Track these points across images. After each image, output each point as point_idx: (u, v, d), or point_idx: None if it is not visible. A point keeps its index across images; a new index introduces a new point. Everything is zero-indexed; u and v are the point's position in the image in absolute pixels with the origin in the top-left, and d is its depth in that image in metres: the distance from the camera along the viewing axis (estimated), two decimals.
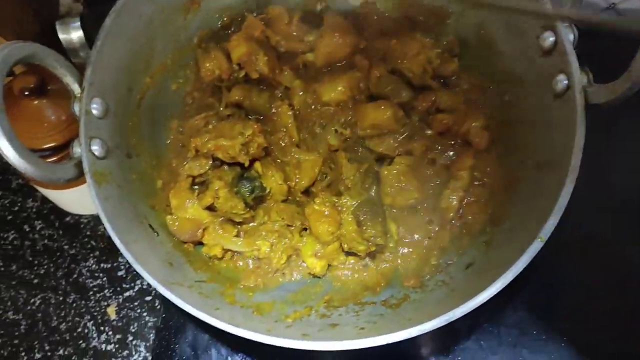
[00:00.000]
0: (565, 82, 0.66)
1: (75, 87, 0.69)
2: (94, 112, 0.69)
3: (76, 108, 0.68)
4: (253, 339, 0.60)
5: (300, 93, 0.86)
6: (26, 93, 0.79)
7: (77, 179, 0.67)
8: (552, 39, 0.68)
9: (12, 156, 0.59)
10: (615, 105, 0.62)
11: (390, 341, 0.58)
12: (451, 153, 0.83)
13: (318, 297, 0.76)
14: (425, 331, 0.59)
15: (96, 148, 0.68)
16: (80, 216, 1.00)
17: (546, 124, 0.70)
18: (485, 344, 0.79)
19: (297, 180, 0.84)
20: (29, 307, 0.93)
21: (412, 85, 0.86)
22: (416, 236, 0.80)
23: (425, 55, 0.84)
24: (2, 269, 0.96)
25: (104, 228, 0.97)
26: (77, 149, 0.67)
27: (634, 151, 0.89)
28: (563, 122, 0.66)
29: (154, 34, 0.78)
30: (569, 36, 0.67)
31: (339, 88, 0.84)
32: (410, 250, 0.80)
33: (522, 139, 0.75)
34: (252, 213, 0.81)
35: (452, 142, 0.83)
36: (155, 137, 0.83)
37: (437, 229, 0.80)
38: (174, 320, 0.85)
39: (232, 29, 0.89)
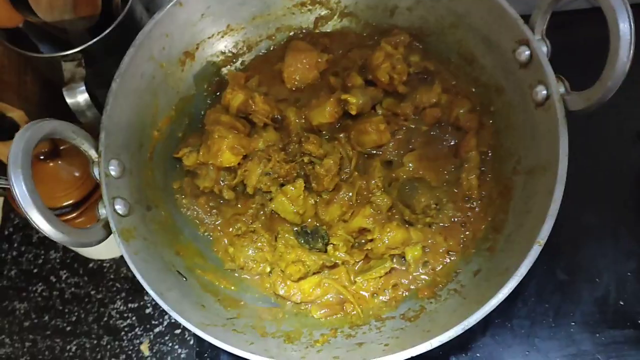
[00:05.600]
0: (544, 92, 0.71)
1: (92, 153, 0.72)
2: (113, 173, 0.73)
3: (96, 172, 0.72)
4: None
5: (296, 120, 0.88)
6: (41, 157, 0.83)
7: (106, 239, 0.72)
8: (527, 52, 0.73)
9: (47, 230, 0.62)
10: (592, 111, 0.66)
11: (414, 354, 0.63)
12: (452, 142, 0.87)
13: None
14: (444, 341, 0.63)
15: (119, 207, 0.72)
16: (102, 261, 1.04)
17: (532, 132, 0.75)
18: (499, 338, 0.83)
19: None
20: (65, 354, 0.97)
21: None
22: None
23: (390, 63, 0.85)
24: (36, 320, 1.01)
25: (127, 270, 1.03)
26: (103, 211, 0.71)
27: None
28: (547, 129, 0.70)
29: (157, 89, 0.82)
30: (543, 48, 0.72)
31: (327, 109, 0.85)
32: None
33: (511, 146, 0.80)
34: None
35: (449, 130, 0.87)
36: (169, 186, 0.87)
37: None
38: (208, 353, 0.89)
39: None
